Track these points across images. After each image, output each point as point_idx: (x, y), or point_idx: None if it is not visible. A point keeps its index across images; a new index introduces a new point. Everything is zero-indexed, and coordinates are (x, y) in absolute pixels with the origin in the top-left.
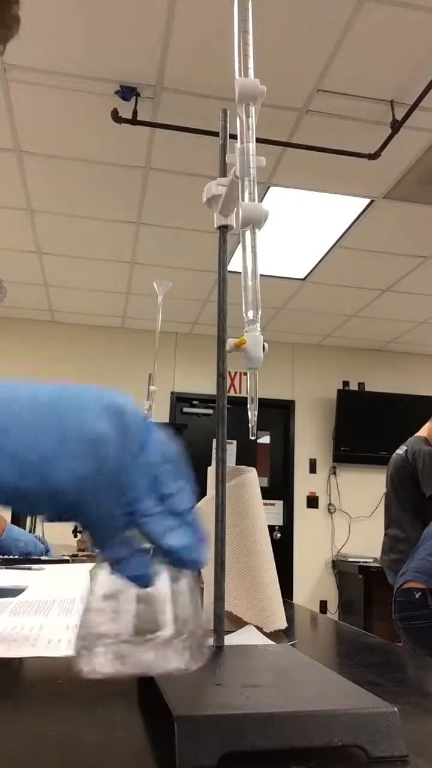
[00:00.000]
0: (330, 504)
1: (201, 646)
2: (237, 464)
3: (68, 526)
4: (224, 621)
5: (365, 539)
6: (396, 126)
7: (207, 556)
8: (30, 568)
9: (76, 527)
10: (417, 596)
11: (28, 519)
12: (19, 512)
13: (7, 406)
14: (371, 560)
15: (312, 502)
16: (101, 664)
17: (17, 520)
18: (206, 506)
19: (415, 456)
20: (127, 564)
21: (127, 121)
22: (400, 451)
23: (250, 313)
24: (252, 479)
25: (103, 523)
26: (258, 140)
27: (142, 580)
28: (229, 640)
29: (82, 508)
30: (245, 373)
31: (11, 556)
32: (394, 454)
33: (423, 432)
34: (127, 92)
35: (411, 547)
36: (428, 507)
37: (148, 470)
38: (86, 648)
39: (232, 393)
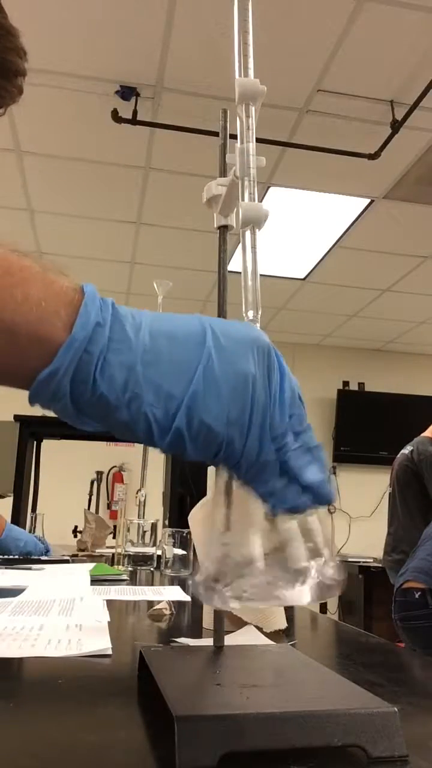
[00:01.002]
0: (330, 504)
1: (333, 580)
2: None
3: (68, 526)
4: (224, 621)
5: (365, 539)
6: (396, 126)
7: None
8: (30, 568)
9: (76, 527)
10: (417, 596)
11: (28, 518)
12: (169, 452)
13: (154, 339)
14: (371, 560)
15: None
16: (244, 595)
17: (17, 519)
18: (206, 507)
19: (420, 457)
20: (283, 496)
21: (127, 121)
22: (406, 451)
23: (250, 313)
24: None
25: (253, 460)
26: (258, 140)
27: (299, 509)
28: (229, 640)
29: (231, 448)
30: None
31: (11, 556)
32: (399, 454)
33: (429, 432)
34: (127, 92)
35: (413, 546)
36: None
37: (286, 408)
38: (224, 581)
39: None
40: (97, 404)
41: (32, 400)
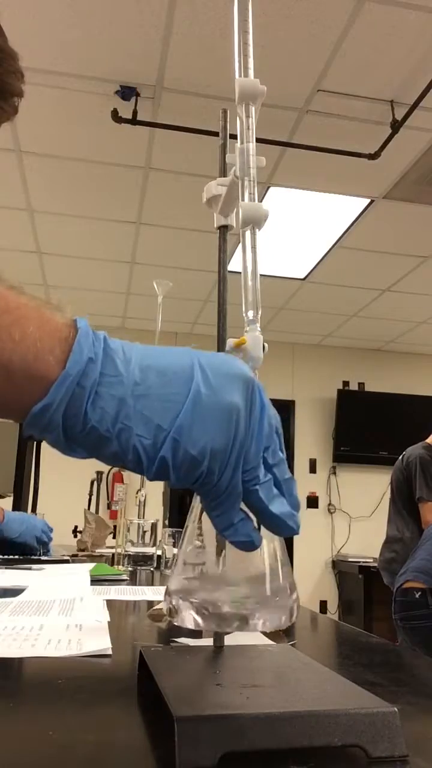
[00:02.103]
0: (330, 504)
1: (288, 609)
2: None
3: (68, 526)
4: None
5: (365, 539)
6: (396, 126)
7: (299, 524)
8: (30, 568)
9: (76, 527)
10: (417, 596)
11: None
12: (154, 480)
13: (144, 373)
14: (371, 560)
15: (312, 502)
16: (191, 620)
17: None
18: None
19: (408, 461)
20: (237, 529)
21: (127, 121)
22: (401, 456)
23: (250, 313)
24: None
25: (224, 490)
26: (258, 140)
27: (250, 546)
28: (229, 640)
29: (210, 477)
30: None
31: (16, 539)
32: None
33: (431, 439)
34: (127, 92)
35: (405, 547)
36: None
37: (262, 442)
38: (179, 604)
39: None
40: (88, 436)
41: (26, 431)
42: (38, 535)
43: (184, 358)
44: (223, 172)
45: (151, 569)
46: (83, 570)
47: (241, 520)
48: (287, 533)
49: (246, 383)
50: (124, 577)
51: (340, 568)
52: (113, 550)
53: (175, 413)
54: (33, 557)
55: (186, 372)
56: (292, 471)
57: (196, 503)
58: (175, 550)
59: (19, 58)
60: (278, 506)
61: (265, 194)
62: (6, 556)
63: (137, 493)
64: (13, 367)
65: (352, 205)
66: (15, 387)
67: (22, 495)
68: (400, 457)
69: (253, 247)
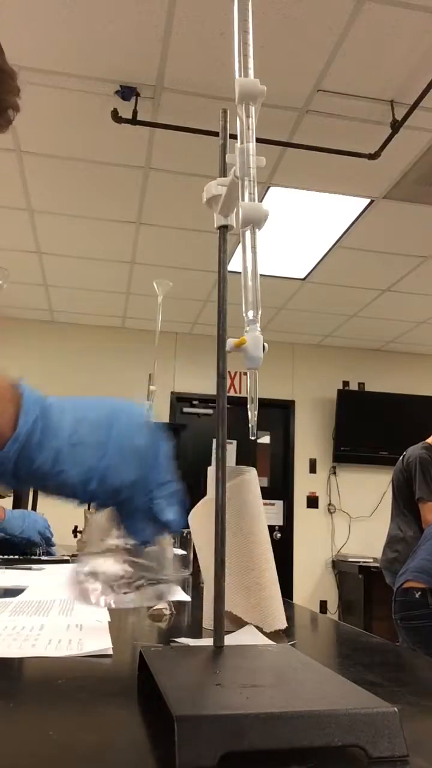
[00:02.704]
0: (330, 504)
1: (170, 588)
2: (237, 464)
3: (68, 526)
4: (224, 621)
5: (365, 539)
6: (396, 126)
7: (182, 525)
8: (30, 568)
9: (76, 527)
10: (417, 596)
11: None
12: (80, 506)
13: (77, 424)
14: (371, 560)
15: (312, 502)
16: (93, 597)
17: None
18: (206, 506)
19: (410, 460)
20: (142, 533)
21: (127, 121)
22: (402, 456)
23: (250, 313)
24: (252, 479)
25: (135, 507)
26: (258, 140)
27: (149, 543)
28: (229, 640)
29: (127, 501)
30: (245, 373)
31: (20, 535)
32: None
33: (431, 439)
34: (127, 92)
35: (408, 547)
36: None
37: (161, 470)
38: (81, 582)
39: (232, 393)
40: (32, 476)
41: None
42: (41, 530)
43: (106, 410)
44: (223, 172)
45: None
46: None
47: (146, 527)
48: (176, 531)
49: (150, 429)
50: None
51: (340, 568)
52: None
53: (100, 456)
54: (33, 557)
55: (108, 422)
56: (292, 471)
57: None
58: (176, 550)
59: (17, 76)
60: (171, 514)
61: (265, 194)
62: (6, 556)
63: None
64: None
65: (352, 205)
66: None
67: (22, 495)
68: (401, 458)
69: (253, 247)
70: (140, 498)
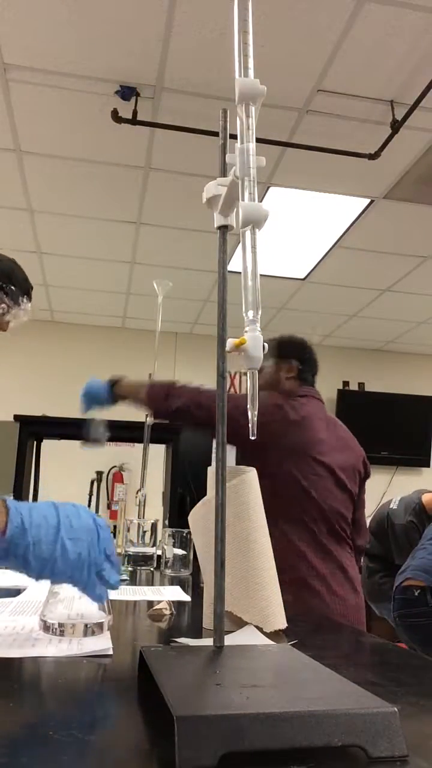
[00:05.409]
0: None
1: (101, 630)
2: (237, 464)
3: None
4: (224, 621)
5: None
6: (396, 126)
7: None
8: None
9: None
10: (416, 594)
11: None
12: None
13: (36, 529)
14: None
15: None
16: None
17: None
18: (206, 507)
19: (393, 523)
20: (97, 595)
21: (127, 121)
22: (390, 505)
23: (250, 313)
24: (252, 479)
25: (87, 580)
26: (258, 140)
27: (100, 600)
28: (229, 640)
29: (78, 576)
30: (245, 373)
31: None
32: (383, 505)
33: (426, 497)
34: (127, 92)
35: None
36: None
37: (104, 552)
38: (45, 625)
39: (232, 393)
40: (5, 559)
41: None
42: None
43: (53, 517)
44: (223, 172)
45: (151, 569)
46: None
47: (97, 589)
48: (114, 588)
49: (90, 526)
50: (125, 577)
51: None
52: None
53: (52, 552)
54: None
55: (54, 522)
56: None
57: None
58: (176, 550)
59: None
60: (113, 578)
61: (265, 194)
62: None
63: (137, 493)
64: None
65: (352, 205)
66: None
67: (22, 495)
68: (385, 513)
69: (253, 247)
70: (88, 573)
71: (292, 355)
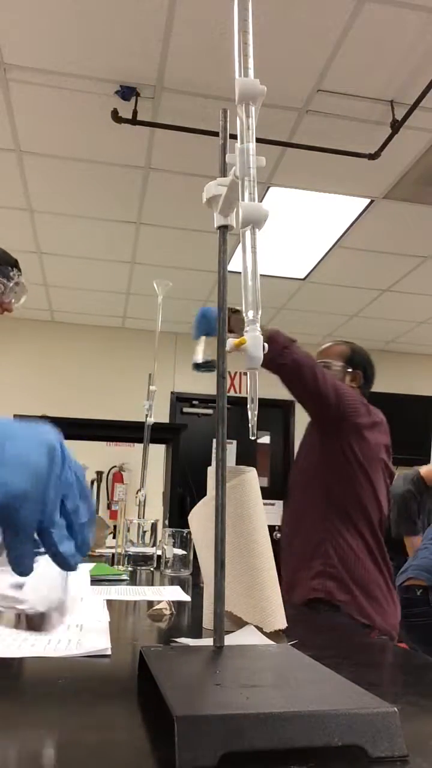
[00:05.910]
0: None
1: (62, 616)
2: (237, 464)
3: None
4: (224, 621)
5: None
6: (396, 126)
7: (79, 561)
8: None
9: None
10: (418, 593)
11: None
12: None
13: None
14: None
15: None
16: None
17: None
18: (206, 507)
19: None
20: (22, 560)
21: (127, 121)
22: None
23: (250, 313)
24: (252, 479)
25: (20, 527)
26: (258, 140)
27: (24, 572)
28: (229, 640)
29: (13, 514)
30: (245, 373)
31: None
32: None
33: (424, 469)
34: (127, 92)
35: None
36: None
37: (61, 490)
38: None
39: (232, 393)
40: None
41: None
42: None
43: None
44: (223, 172)
45: (151, 569)
46: (83, 570)
47: (27, 553)
48: (67, 570)
49: (49, 446)
50: (124, 577)
51: None
52: (113, 550)
53: None
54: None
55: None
56: None
57: None
58: (176, 550)
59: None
60: (65, 547)
61: (265, 194)
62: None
63: (137, 493)
64: None
65: (352, 205)
66: None
67: None
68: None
69: (253, 247)
70: (27, 515)
71: (360, 366)
